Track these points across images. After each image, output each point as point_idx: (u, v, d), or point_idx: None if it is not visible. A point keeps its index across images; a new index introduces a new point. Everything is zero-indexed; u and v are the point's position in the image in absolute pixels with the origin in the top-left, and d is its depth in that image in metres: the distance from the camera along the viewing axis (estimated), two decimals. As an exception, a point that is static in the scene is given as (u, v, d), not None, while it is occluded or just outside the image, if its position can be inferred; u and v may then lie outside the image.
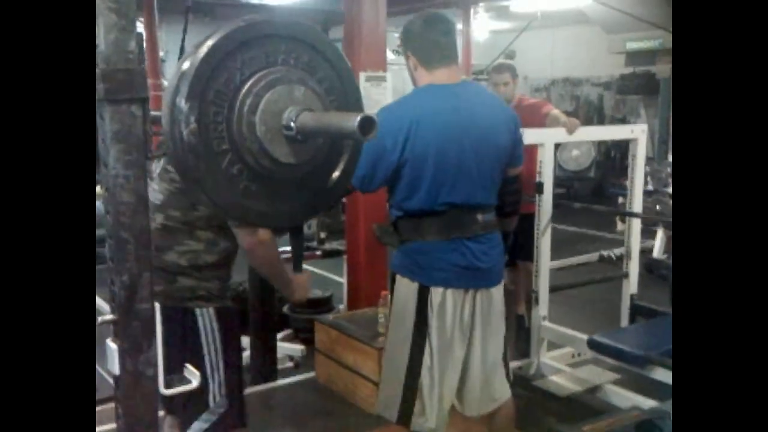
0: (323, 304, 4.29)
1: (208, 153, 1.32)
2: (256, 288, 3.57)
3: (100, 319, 1.42)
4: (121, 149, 1.34)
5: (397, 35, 7.51)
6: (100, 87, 1.32)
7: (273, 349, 3.72)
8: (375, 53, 3.86)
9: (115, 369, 1.41)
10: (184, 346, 2.04)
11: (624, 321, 3.63)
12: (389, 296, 2.30)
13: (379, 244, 4.05)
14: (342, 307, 4.30)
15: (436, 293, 2.14)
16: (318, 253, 4.14)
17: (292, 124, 1.31)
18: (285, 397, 3.55)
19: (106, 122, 1.34)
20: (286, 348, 3.92)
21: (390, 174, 2.11)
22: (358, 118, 1.17)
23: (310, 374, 3.74)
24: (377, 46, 3.89)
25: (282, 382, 3.68)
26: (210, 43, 1.30)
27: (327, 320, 3.69)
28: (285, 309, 4.19)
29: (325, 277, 5.34)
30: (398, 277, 2.22)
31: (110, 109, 1.33)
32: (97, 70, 1.33)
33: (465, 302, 2.18)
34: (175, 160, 1.35)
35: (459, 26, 9.19)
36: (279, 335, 3.89)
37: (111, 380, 1.42)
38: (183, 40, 3.95)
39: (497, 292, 2.28)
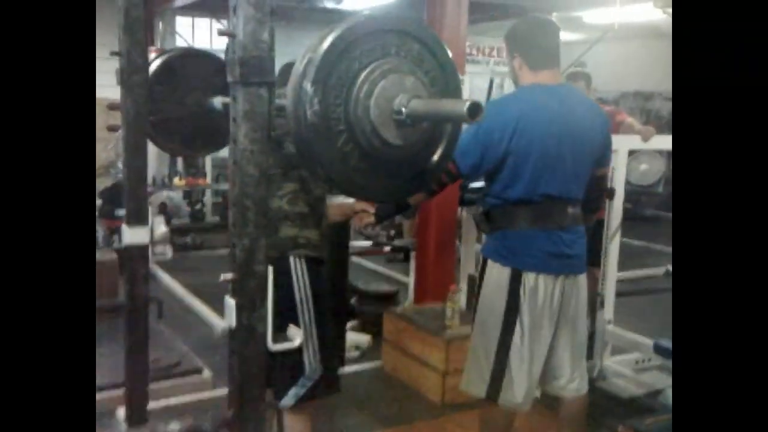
0: (389, 299, 4.42)
1: (327, 132, 1.48)
2: (328, 279, 3.74)
3: (222, 276, 1.60)
4: (250, 127, 1.52)
5: (467, 44, 7.53)
6: (236, 71, 1.51)
7: (342, 337, 3.87)
8: (455, 58, 4.00)
9: (233, 322, 1.59)
10: (282, 299, 2.10)
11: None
12: (477, 281, 2.42)
13: (449, 243, 4.18)
14: (407, 303, 4.44)
15: (528, 278, 2.30)
16: (387, 249, 4.29)
17: (403, 109, 1.46)
18: (353, 383, 3.69)
19: (239, 102, 1.52)
20: (354, 338, 4.06)
21: (496, 164, 2.27)
22: (468, 103, 1.31)
23: (377, 363, 3.88)
24: (457, 52, 4.02)
25: (349, 369, 3.83)
26: (334, 34, 1.47)
27: (396, 312, 3.83)
28: (353, 301, 4.35)
29: (390, 276, 5.50)
30: (490, 262, 2.37)
31: (243, 91, 1.51)
32: (234, 56, 1.51)
33: (555, 287, 2.34)
34: (297, 137, 1.52)
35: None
36: (347, 326, 4.04)
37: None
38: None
39: (583, 279, 2.45)
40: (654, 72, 10.73)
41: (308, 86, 1.46)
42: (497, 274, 2.33)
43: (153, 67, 2.51)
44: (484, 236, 2.59)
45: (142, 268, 2.32)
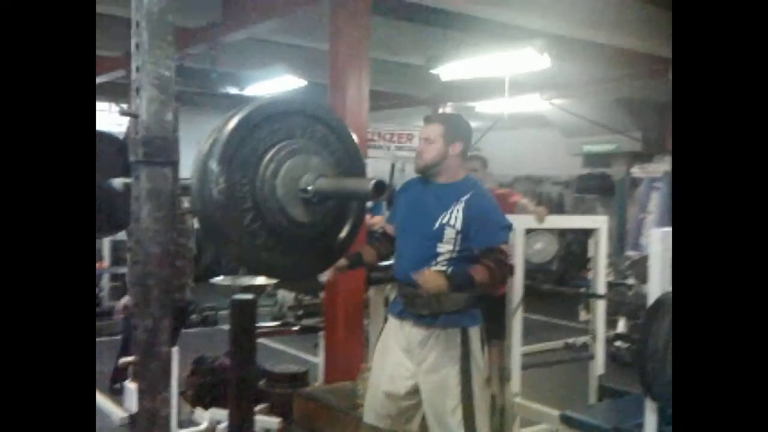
0: (299, 379, 4.32)
1: (233, 210, 1.49)
2: (234, 361, 3.64)
3: (121, 360, 1.54)
4: (154, 206, 1.51)
5: (368, 130, 7.72)
6: (139, 150, 1.50)
7: (251, 421, 3.73)
8: (358, 143, 4.13)
9: (133, 407, 1.51)
10: None
11: (592, 401, 3.76)
12: (459, 352, 2.41)
13: (357, 322, 4.18)
14: (317, 383, 4.34)
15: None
16: (295, 328, 4.23)
17: (309, 187, 1.50)
18: (261, 470, 3.54)
19: (142, 181, 1.51)
20: (263, 421, 3.92)
21: None
22: (374, 181, 1.37)
23: (286, 447, 3.74)
24: (360, 137, 4.15)
25: (257, 456, 3.67)
26: (240, 114, 1.51)
27: (306, 392, 3.74)
28: (261, 383, 4.22)
29: (298, 356, 5.39)
30: (473, 330, 2.43)
31: (146, 170, 1.50)
32: (137, 136, 1.51)
33: None
34: (202, 216, 1.52)
35: (428, 124, 9.69)
36: (255, 408, 3.89)
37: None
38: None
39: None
40: (543, 158, 11.43)
41: (214, 165, 1.47)
42: (476, 334, 2.42)
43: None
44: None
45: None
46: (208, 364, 4.05)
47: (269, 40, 6.66)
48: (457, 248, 2.31)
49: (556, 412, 3.36)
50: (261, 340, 5.23)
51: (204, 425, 3.24)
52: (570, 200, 11.50)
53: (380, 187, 1.37)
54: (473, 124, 8.84)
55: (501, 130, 9.85)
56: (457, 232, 2.31)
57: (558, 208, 11.36)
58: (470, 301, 2.38)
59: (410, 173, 9.53)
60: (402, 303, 2.41)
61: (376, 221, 5.29)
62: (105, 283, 7.40)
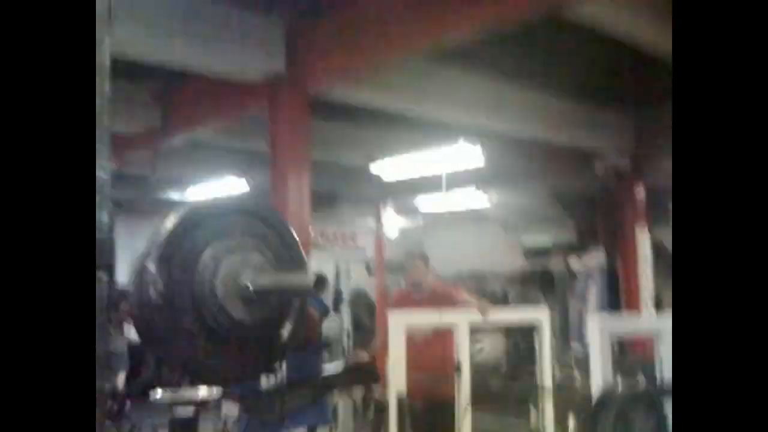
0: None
1: (171, 312, 1.45)
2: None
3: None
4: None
5: (311, 230, 7.70)
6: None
7: None
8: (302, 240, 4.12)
9: None
10: None
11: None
12: None
13: None
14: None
15: None
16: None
17: (249, 284, 1.47)
18: None
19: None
20: None
21: None
22: (313, 276, 1.35)
23: None
24: (302, 237, 4.15)
25: None
26: (179, 215, 1.49)
27: None
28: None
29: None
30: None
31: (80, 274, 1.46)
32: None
33: None
34: (140, 320, 1.46)
35: (371, 224, 9.81)
36: None
37: None
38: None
39: None
40: (485, 253, 11.63)
41: (152, 266, 1.44)
42: None
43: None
44: None
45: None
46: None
47: (210, 143, 6.73)
48: None
49: None
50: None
51: None
52: (513, 295, 11.63)
53: (321, 281, 1.36)
54: (413, 221, 9.01)
55: (443, 226, 10.04)
56: None
57: (503, 302, 11.47)
58: (317, 395, 2.31)
59: (357, 274, 9.54)
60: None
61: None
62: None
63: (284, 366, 2.22)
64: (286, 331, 1.62)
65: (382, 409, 3.74)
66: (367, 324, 11.23)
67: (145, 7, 4.09)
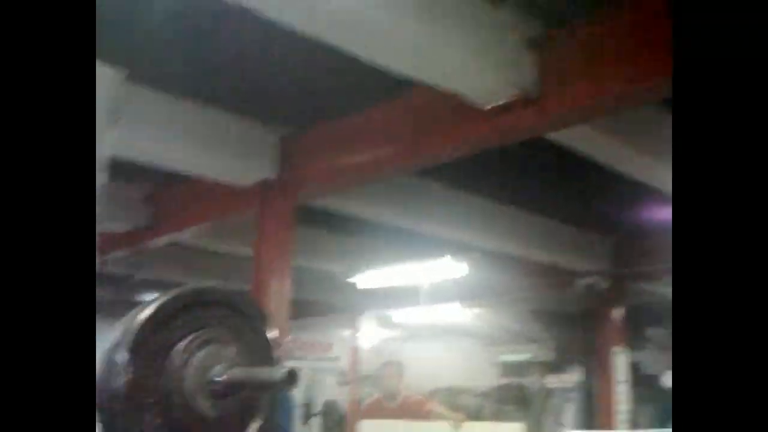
0: None
1: (135, 404, 1.42)
2: None
3: None
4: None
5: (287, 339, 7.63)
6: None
7: None
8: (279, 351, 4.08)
9: None
10: None
11: None
12: None
13: None
14: None
15: None
16: None
17: (218, 378, 1.46)
18: None
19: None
20: None
21: None
22: (285, 371, 1.35)
23: None
24: (279, 344, 4.11)
25: None
26: (157, 303, 1.49)
27: None
28: None
29: None
30: None
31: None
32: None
33: None
34: (104, 411, 1.43)
35: (347, 333, 9.70)
36: None
37: None
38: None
39: None
40: (463, 368, 11.46)
41: (122, 355, 1.42)
42: None
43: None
44: None
45: None
46: None
47: (195, 245, 6.75)
48: None
49: None
50: None
51: None
52: (489, 411, 11.36)
53: (292, 376, 1.35)
54: (390, 333, 8.98)
55: (420, 339, 9.94)
56: None
57: (477, 418, 11.19)
58: None
59: (330, 385, 9.39)
60: None
61: None
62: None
63: None
64: (252, 429, 1.59)
65: None
66: (337, 437, 10.86)
67: (140, 110, 4.23)
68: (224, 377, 1.45)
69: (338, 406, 11.55)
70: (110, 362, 1.42)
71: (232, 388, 1.46)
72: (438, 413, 4.01)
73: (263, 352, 1.64)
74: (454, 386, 11.85)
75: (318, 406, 10.77)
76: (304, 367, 10.41)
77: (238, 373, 1.46)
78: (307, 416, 10.42)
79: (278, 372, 1.38)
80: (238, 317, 1.61)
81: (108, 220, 5.69)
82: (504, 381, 10.50)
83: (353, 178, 4.69)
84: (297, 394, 9.32)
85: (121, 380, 1.41)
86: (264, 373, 1.49)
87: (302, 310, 8.89)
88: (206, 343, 1.50)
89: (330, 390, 11.39)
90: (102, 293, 6.56)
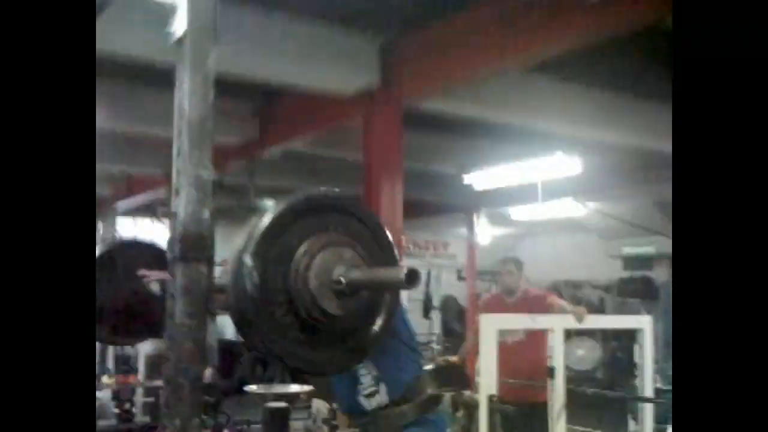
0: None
1: (266, 304, 1.50)
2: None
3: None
4: (187, 301, 1.53)
5: (404, 238, 7.77)
6: (175, 247, 1.54)
7: None
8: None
9: None
10: None
11: None
12: None
13: None
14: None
15: None
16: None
17: (342, 279, 1.51)
18: None
19: (178, 278, 1.54)
20: None
21: None
22: (406, 270, 1.37)
23: None
24: (396, 240, 4.20)
25: None
26: (276, 210, 1.55)
27: None
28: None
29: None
30: None
31: (182, 267, 1.54)
32: (175, 234, 1.56)
33: None
34: (236, 311, 1.52)
35: (463, 231, 9.77)
36: None
37: None
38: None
39: None
40: (581, 262, 11.29)
41: (248, 259, 1.49)
42: None
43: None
44: None
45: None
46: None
47: (304, 154, 6.91)
48: None
49: None
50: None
51: None
52: (611, 305, 11.22)
53: (413, 275, 1.37)
54: (508, 230, 8.91)
55: (537, 235, 9.84)
56: None
57: (599, 312, 11.11)
58: (420, 410, 2.26)
59: (446, 281, 9.57)
60: None
61: None
62: (138, 398, 7.36)
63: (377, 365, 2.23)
64: (377, 326, 1.64)
65: (471, 411, 3.71)
66: (456, 329, 11.17)
67: (243, 27, 4.27)
68: (345, 279, 1.49)
69: (456, 301, 11.85)
70: (238, 267, 1.50)
71: (354, 288, 1.50)
72: (559, 306, 4.00)
73: (382, 254, 1.67)
74: (573, 279, 11.77)
75: (437, 301, 11.11)
76: (421, 264, 10.68)
77: (359, 274, 1.50)
78: (427, 311, 10.79)
79: (399, 272, 1.40)
80: (354, 221, 1.64)
81: (220, 134, 5.95)
82: (627, 274, 10.28)
83: (459, 78, 4.58)
84: (416, 290, 9.64)
85: (249, 283, 1.49)
86: (385, 273, 1.52)
87: (418, 210, 9.02)
88: (325, 246, 1.54)
89: (448, 286, 11.68)
90: (222, 201, 6.97)
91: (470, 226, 9.36)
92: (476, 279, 9.51)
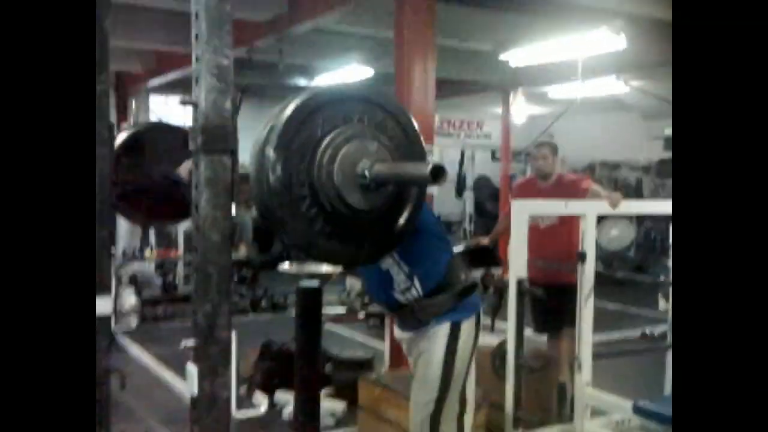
0: (365, 365, 4.35)
1: (290, 197, 1.49)
2: (301, 346, 3.69)
3: (183, 343, 1.57)
4: (212, 193, 1.53)
5: (437, 117, 7.64)
6: (197, 139, 1.52)
7: (316, 404, 3.78)
8: (425, 128, 4.09)
9: (194, 390, 1.54)
10: None
11: (667, 392, 3.62)
12: (444, 348, 2.38)
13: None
14: (383, 370, 4.36)
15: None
16: (361, 315, 4.25)
17: (367, 172, 1.48)
18: (327, 452, 3.58)
19: (201, 170, 1.53)
20: (329, 405, 3.97)
21: None
22: (431, 166, 1.33)
23: (352, 430, 3.78)
24: (426, 125, 4.12)
25: (324, 437, 3.71)
26: (297, 101, 1.50)
27: (371, 378, 3.75)
28: (328, 368, 4.27)
29: (365, 342, 5.43)
30: (464, 324, 2.35)
31: (205, 159, 1.53)
32: (196, 125, 1.53)
33: None
34: (260, 203, 1.52)
35: (498, 109, 9.55)
36: (321, 392, 3.96)
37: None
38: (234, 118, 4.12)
39: None
40: (620, 143, 11.05)
41: (270, 152, 1.47)
42: (468, 328, 2.34)
43: (120, 139, 2.53)
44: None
45: (104, 339, 2.27)
46: (276, 348, 4.11)
47: (336, 30, 6.68)
48: None
49: (629, 403, 3.25)
50: (329, 327, 5.28)
51: (263, 408, 3.29)
52: (649, 186, 11.07)
53: (438, 171, 1.34)
54: (545, 109, 8.67)
55: (576, 115, 9.57)
56: None
57: (636, 194, 10.99)
58: (456, 298, 2.29)
59: (480, 161, 9.45)
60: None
61: None
62: (179, 270, 7.72)
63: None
64: (403, 219, 1.64)
65: (501, 291, 3.78)
66: (489, 209, 11.22)
67: None
68: (370, 173, 1.47)
69: (490, 181, 11.81)
70: (260, 160, 1.49)
71: (379, 182, 1.48)
72: (594, 191, 3.93)
73: (409, 145, 1.63)
74: (611, 160, 11.55)
75: (470, 181, 11.09)
76: (455, 144, 10.57)
77: (384, 168, 1.47)
78: (460, 191, 10.79)
79: (424, 167, 1.36)
80: (380, 111, 1.59)
81: (248, 10, 5.74)
82: (666, 155, 10.02)
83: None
84: (450, 169, 9.62)
85: (272, 176, 1.48)
86: (410, 168, 1.49)
87: (453, 89, 8.79)
88: (350, 139, 1.51)
89: (482, 166, 11.59)
90: (251, 79, 6.88)
91: (506, 105, 9.12)
92: (511, 160, 9.40)
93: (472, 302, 2.35)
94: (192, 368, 1.52)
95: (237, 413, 1.64)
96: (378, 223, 1.59)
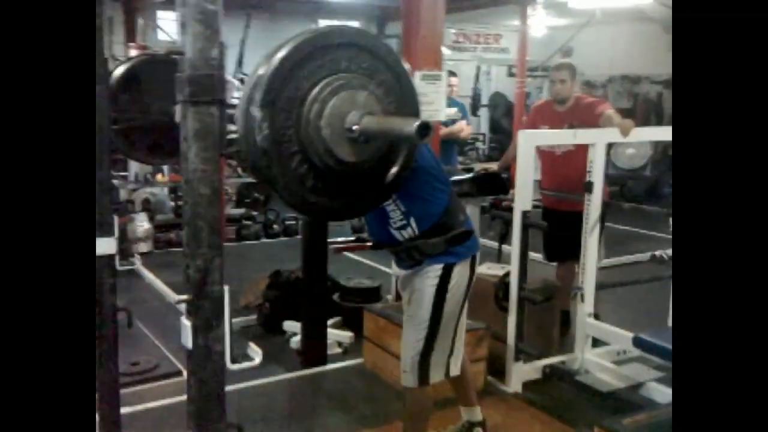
0: (372, 294, 4.39)
1: (279, 156, 1.46)
2: (309, 276, 3.73)
3: (176, 298, 1.58)
4: (201, 146, 1.50)
5: (453, 31, 7.48)
6: (184, 90, 1.48)
7: (323, 335, 3.86)
8: (431, 52, 3.94)
9: (189, 344, 1.57)
10: None
11: (671, 321, 3.65)
12: (435, 287, 2.39)
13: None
14: (390, 297, 4.42)
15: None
16: (369, 243, 4.25)
17: (355, 127, 1.44)
18: (334, 381, 3.68)
19: (188, 121, 1.49)
20: (336, 334, 4.05)
21: None
22: (416, 124, 1.29)
23: (358, 360, 3.86)
24: (434, 46, 3.97)
25: (331, 366, 3.81)
26: (280, 55, 1.44)
27: (375, 309, 3.80)
28: (335, 297, 4.33)
29: (374, 267, 5.48)
30: (457, 267, 2.36)
31: (192, 110, 1.49)
32: (183, 75, 1.48)
33: None
34: (249, 162, 1.49)
35: (516, 22, 9.22)
36: (329, 322, 4.03)
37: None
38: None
39: None
40: (641, 56, 10.69)
41: (256, 111, 1.43)
42: (461, 270, 2.36)
43: (117, 73, 2.47)
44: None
45: (109, 278, 2.30)
46: (284, 277, 4.16)
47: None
48: None
49: (629, 335, 3.28)
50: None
51: (257, 360, 3.40)
52: (669, 98, 10.78)
53: (424, 129, 1.29)
54: (564, 21, 8.35)
55: (596, 26, 9.21)
56: None
57: (656, 108, 10.72)
58: (450, 243, 2.29)
59: (496, 76, 9.23)
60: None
61: (465, 128, 5.11)
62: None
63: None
64: (395, 168, 1.60)
65: (507, 221, 3.78)
66: (505, 127, 11.06)
67: None
68: (358, 127, 1.42)
69: (506, 98, 11.54)
70: (246, 120, 1.44)
71: (367, 137, 1.44)
72: (607, 116, 3.83)
73: (401, 89, 1.57)
74: (631, 74, 11.20)
75: (485, 98, 10.85)
76: (470, 59, 10.27)
77: (372, 122, 1.42)
78: (475, 108, 10.58)
79: (411, 124, 1.31)
80: (369, 57, 1.53)
81: None
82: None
83: None
84: (465, 85, 9.41)
85: (260, 136, 1.43)
86: (396, 123, 1.44)
87: (467, 2, 8.46)
88: (338, 90, 1.45)
89: (498, 82, 11.30)
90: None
91: (524, 17, 8.79)
92: (527, 76, 9.14)
93: (468, 245, 2.35)
94: (186, 322, 1.54)
95: (231, 366, 1.68)
96: (369, 176, 1.56)
